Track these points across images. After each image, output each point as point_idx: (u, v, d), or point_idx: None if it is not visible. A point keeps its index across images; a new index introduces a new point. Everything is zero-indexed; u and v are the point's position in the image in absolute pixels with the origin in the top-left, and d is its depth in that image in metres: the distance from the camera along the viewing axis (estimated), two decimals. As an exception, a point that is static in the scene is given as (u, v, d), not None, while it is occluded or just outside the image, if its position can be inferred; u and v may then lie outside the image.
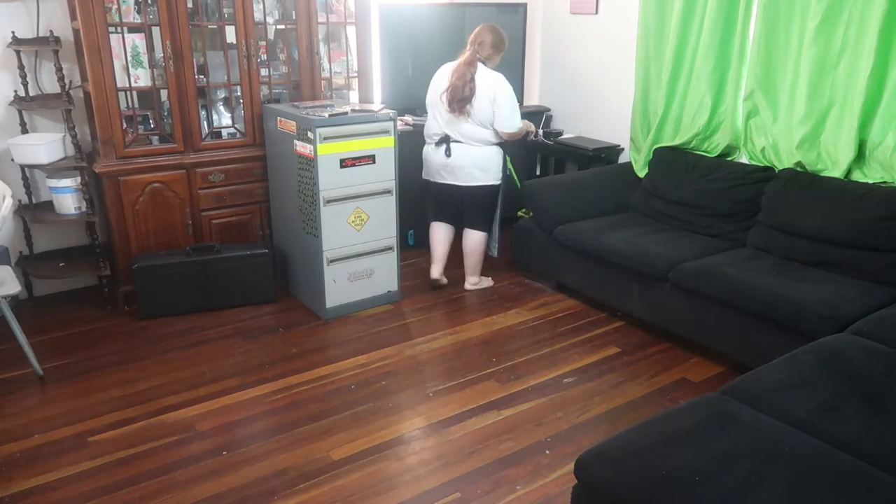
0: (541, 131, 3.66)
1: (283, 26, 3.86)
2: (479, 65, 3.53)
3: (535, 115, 4.96)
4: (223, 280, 3.59)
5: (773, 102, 3.55)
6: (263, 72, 3.74)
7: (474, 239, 3.84)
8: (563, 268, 3.83)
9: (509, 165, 4.15)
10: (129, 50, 3.38)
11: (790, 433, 1.92)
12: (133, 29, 3.39)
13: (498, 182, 3.77)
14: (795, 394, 2.11)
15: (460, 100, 3.50)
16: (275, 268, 3.72)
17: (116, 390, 2.92)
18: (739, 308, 2.95)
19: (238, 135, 3.77)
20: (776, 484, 1.70)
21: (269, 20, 3.78)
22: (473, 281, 3.98)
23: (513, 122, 3.58)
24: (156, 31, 3.42)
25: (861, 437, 1.93)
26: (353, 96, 4.10)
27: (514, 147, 4.86)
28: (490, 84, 3.51)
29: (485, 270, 4.05)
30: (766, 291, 2.87)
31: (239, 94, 3.72)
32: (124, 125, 3.44)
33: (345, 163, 3.39)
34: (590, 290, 3.74)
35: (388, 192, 3.58)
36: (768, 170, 3.58)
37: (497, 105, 3.52)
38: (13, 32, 3.33)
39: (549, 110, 5.03)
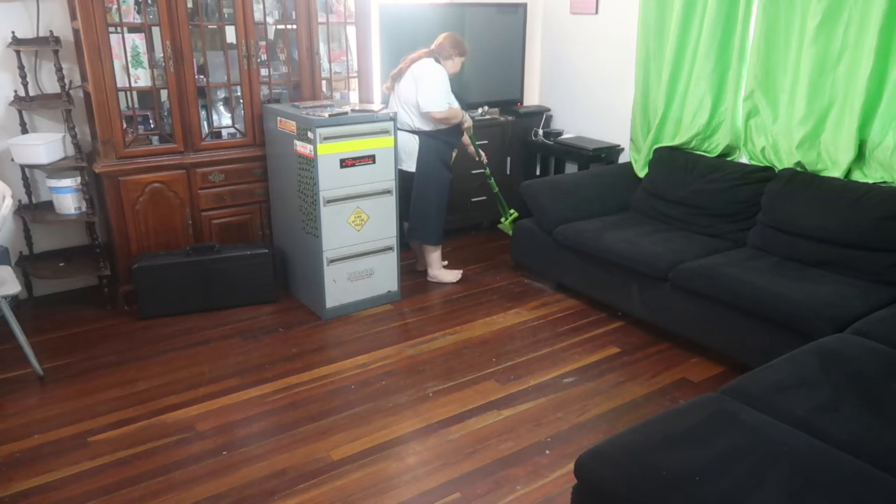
0: (469, 121, 3.79)
1: (283, 26, 3.86)
2: (427, 58, 3.69)
3: (535, 115, 4.97)
4: (223, 280, 3.59)
5: (773, 102, 3.55)
6: (263, 72, 3.74)
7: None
8: (563, 268, 3.83)
9: (487, 172, 4.19)
10: (129, 50, 3.38)
11: (790, 433, 1.92)
12: (133, 29, 3.39)
13: (414, 171, 3.79)
14: (795, 394, 2.11)
15: (393, 76, 3.79)
16: (275, 268, 3.72)
17: (116, 390, 2.92)
18: (739, 308, 2.95)
19: (238, 135, 3.77)
20: (776, 484, 1.70)
21: (269, 20, 3.78)
22: (430, 273, 4.06)
23: (431, 102, 3.59)
24: (156, 31, 3.42)
25: (861, 437, 1.93)
26: (353, 96, 4.10)
27: (513, 147, 4.89)
28: (418, 67, 3.66)
29: (482, 270, 4.05)
30: (766, 291, 2.87)
31: (239, 94, 3.72)
32: (124, 125, 3.44)
33: (345, 163, 3.39)
34: (590, 290, 3.74)
35: (388, 192, 3.58)
36: (768, 170, 3.58)
37: (420, 83, 3.62)
38: (13, 32, 3.33)
39: (549, 110, 5.03)
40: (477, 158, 4.15)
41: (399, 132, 3.68)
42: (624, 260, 3.41)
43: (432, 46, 3.76)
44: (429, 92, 3.60)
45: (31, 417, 2.74)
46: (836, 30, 3.21)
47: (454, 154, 3.93)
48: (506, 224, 4.50)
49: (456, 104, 3.74)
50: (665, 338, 3.39)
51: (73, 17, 3.38)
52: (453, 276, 4.06)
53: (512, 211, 4.46)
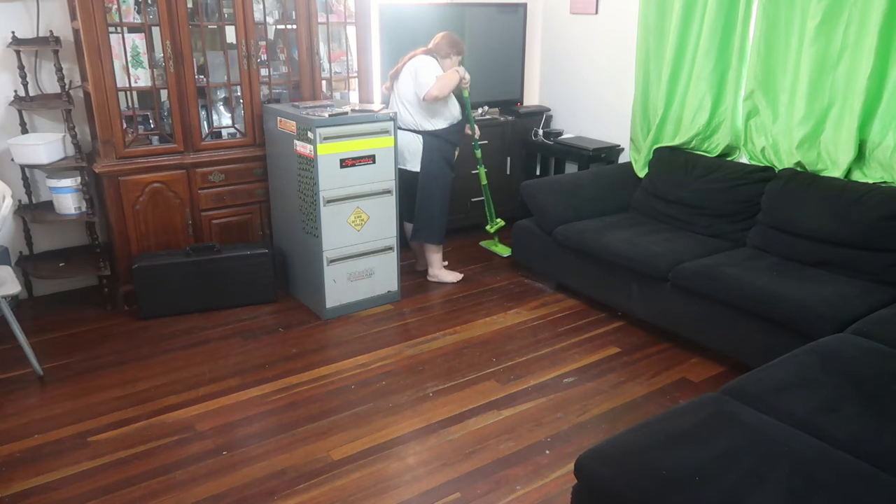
0: (467, 76, 3.79)
1: (283, 26, 3.86)
2: (423, 55, 3.72)
3: (535, 115, 4.97)
4: (223, 280, 3.59)
5: (773, 102, 3.55)
6: (263, 72, 3.74)
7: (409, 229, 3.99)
8: (563, 268, 3.83)
9: (478, 156, 4.20)
10: (129, 50, 3.38)
11: (790, 433, 1.92)
12: (133, 29, 3.39)
13: (417, 171, 3.79)
14: (795, 394, 2.11)
15: (391, 75, 3.83)
16: (275, 268, 3.72)
17: (116, 390, 2.92)
18: (739, 308, 2.95)
19: (238, 135, 3.76)
20: (776, 484, 1.70)
21: (269, 20, 3.78)
22: (430, 273, 4.06)
23: (423, 87, 3.61)
24: (156, 31, 3.42)
25: (861, 437, 1.93)
26: (353, 96, 4.10)
27: (513, 147, 4.89)
28: (414, 63, 3.70)
29: (482, 270, 4.05)
30: (767, 291, 2.87)
31: (239, 94, 3.72)
32: (124, 125, 3.44)
33: (345, 163, 3.39)
34: (590, 290, 3.74)
35: (388, 192, 3.58)
36: (768, 170, 3.58)
37: (415, 76, 3.66)
38: (13, 32, 3.33)
39: (549, 110, 5.04)
40: (470, 132, 4.11)
41: (401, 132, 3.68)
42: (624, 260, 3.41)
43: (430, 46, 3.77)
44: (421, 80, 3.63)
45: (31, 417, 2.74)
46: (836, 30, 3.21)
47: (457, 153, 3.93)
48: (492, 241, 4.53)
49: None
50: (665, 338, 3.39)
51: (73, 17, 3.38)
52: (454, 276, 4.06)
53: (498, 219, 4.47)
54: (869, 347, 2.37)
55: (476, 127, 4.15)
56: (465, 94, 3.89)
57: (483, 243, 4.64)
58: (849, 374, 2.20)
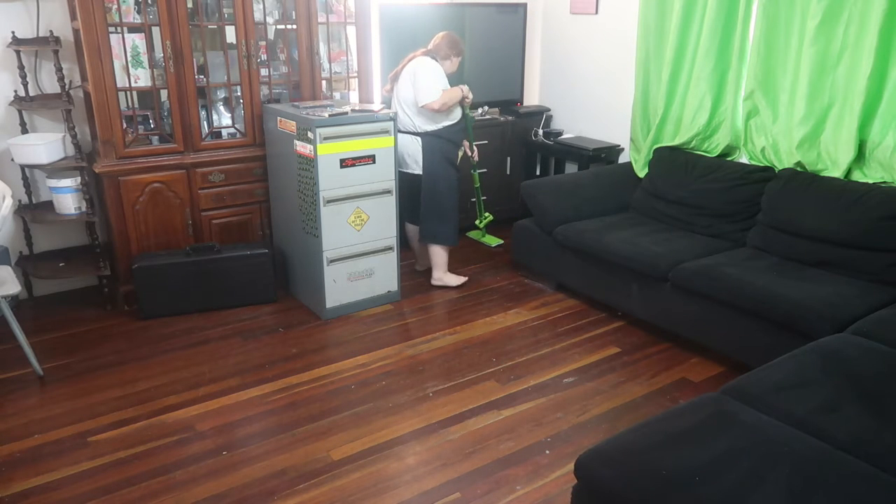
0: (470, 94, 3.74)
1: (283, 26, 3.86)
2: (423, 56, 3.69)
3: (535, 115, 4.97)
4: (223, 280, 3.59)
5: (773, 102, 3.55)
6: (263, 72, 3.74)
7: (414, 230, 4.00)
8: (563, 268, 3.83)
9: (473, 164, 4.23)
10: (129, 50, 3.38)
11: (790, 433, 1.92)
12: (133, 29, 3.39)
13: (419, 173, 3.77)
14: (795, 394, 2.11)
15: (391, 77, 3.81)
16: (275, 268, 3.72)
17: (116, 390, 2.92)
18: (739, 308, 2.95)
19: (238, 135, 3.77)
20: (776, 484, 1.70)
21: (269, 20, 3.78)
22: (435, 276, 4.02)
23: (430, 94, 3.59)
24: (156, 31, 3.43)
25: (861, 437, 1.93)
26: (353, 96, 4.10)
27: (513, 147, 4.89)
28: (413, 65, 3.67)
29: (482, 270, 4.04)
30: (767, 291, 2.87)
31: (239, 94, 3.72)
32: (124, 125, 3.44)
33: (345, 163, 3.39)
34: (590, 290, 3.74)
35: (388, 192, 3.58)
36: (768, 170, 3.58)
37: (415, 80, 3.62)
38: (13, 32, 3.34)
39: (549, 110, 5.04)
40: (469, 153, 4.09)
41: (401, 135, 3.68)
42: (624, 260, 3.41)
43: (429, 46, 3.76)
44: (422, 86, 3.59)
45: (31, 417, 2.74)
46: (836, 30, 3.21)
47: (460, 153, 3.92)
48: (480, 232, 4.60)
49: (447, 87, 3.70)
50: (665, 338, 3.39)
51: (73, 17, 3.38)
52: (458, 280, 4.03)
53: (487, 214, 4.54)
54: (869, 347, 2.37)
55: (476, 148, 4.11)
56: (467, 110, 3.87)
57: (471, 234, 4.72)
58: (849, 374, 2.20)
